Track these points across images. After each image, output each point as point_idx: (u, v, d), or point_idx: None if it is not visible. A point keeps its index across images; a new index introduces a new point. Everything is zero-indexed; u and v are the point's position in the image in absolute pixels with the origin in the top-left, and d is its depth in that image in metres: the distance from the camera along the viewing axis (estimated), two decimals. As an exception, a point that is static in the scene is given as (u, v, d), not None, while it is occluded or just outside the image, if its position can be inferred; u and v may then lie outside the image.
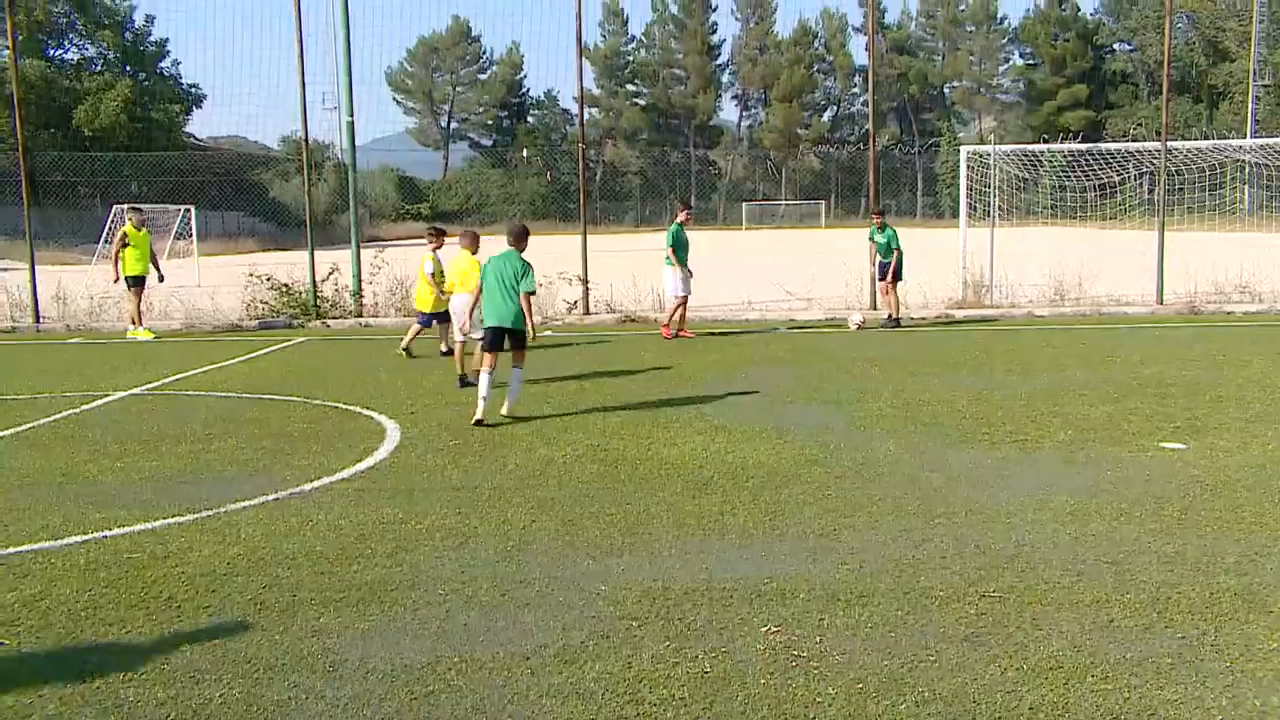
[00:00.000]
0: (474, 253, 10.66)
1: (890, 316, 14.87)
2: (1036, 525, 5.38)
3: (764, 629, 4.14)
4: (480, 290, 8.47)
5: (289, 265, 17.80)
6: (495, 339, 8.26)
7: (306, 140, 18.16)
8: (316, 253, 17.09)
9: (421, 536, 5.41)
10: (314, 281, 16.99)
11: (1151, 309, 15.94)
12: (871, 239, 15.27)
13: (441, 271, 12.15)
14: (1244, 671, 3.67)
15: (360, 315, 16.98)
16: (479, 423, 8.05)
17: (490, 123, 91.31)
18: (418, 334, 12.36)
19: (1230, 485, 6.01)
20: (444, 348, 12.42)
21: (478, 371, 8.43)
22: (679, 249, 13.66)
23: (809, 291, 17.39)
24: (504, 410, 8.35)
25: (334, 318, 16.84)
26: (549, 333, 15.03)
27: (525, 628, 4.20)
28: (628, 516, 5.70)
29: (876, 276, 15.27)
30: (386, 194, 78.13)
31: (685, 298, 13.85)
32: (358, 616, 4.34)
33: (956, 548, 5.05)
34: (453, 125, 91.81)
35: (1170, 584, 4.48)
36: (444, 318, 12.27)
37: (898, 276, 14.85)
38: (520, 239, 8.39)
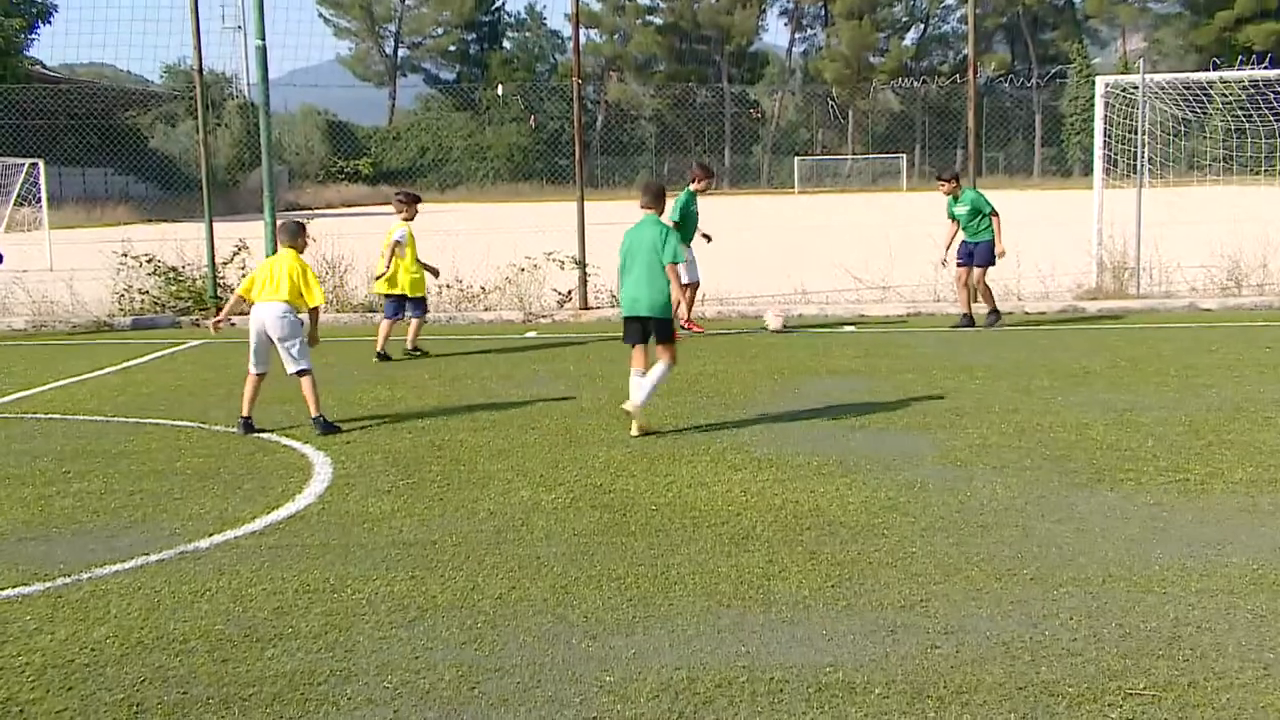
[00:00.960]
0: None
1: (966, 315, 14.87)
2: (1204, 598, 5.34)
3: (828, 737, 4.12)
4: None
5: (177, 242, 17.90)
6: (637, 331, 8.84)
7: (200, 71, 18.28)
8: (216, 225, 17.19)
9: (360, 610, 5.41)
10: (213, 264, 17.09)
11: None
12: (951, 216, 15.04)
13: (415, 248, 12.93)
14: None
15: (275, 310, 17.05)
16: (645, 434, 8.76)
17: (453, 49, 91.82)
18: (391, 328, 13.06)
19: None
20: (411, 345, 12.99)
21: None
22: (686, 224, 13.88)
23: (885, 278, 17.40)
24: (633, 413, 8.79)
25: (242, 313, 16.87)
26: (533, 334, 15.10)
27: (500, 734, 4.19)
28: (640, 582, 5.69)
29: (956, 260, 14.92)
30: (311, 146, 78.61)
31: (695, 285, 14.31)
32: None
33: (1090, 627, 5.02)
34: (401, 53, 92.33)
35: (1389, 677, 4.45)
36: (419, 304, 12.98)
37: (990, 261, 14.70)
38: (659, 200, 9.00)
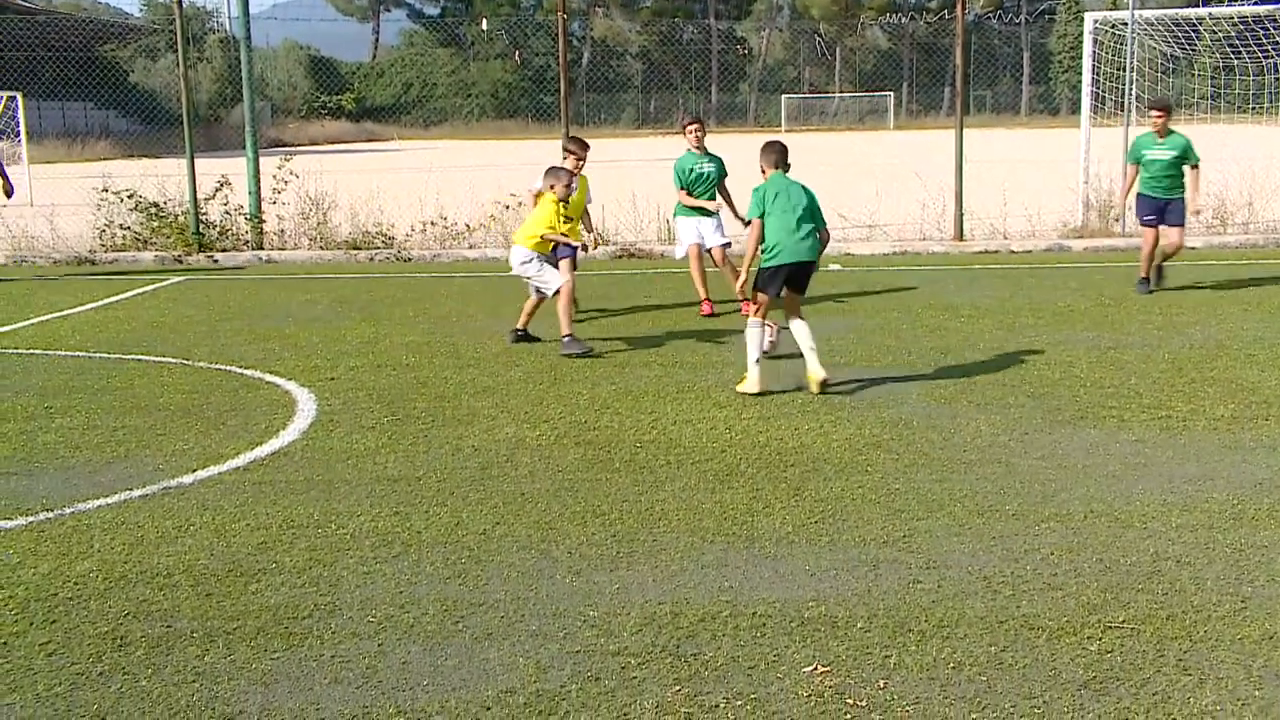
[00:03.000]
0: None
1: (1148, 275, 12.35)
2: (1184, 533, 5.37)
3: (807, 669, 4.15)
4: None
5: (159, 178, 17.74)
6: (784, 281, 8.15)
7: (180, 4, 18.01)
8: (198, 161, 17.03)
9: (345, 545, 5.41)
10: (194, 200, 16.95)
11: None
12: (1137, 159, 12.40)
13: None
14: None
15: (260, 247, 16.98)
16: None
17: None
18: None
19: None
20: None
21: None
22: (697, 188, 11.61)
23: (872, 216, 17.35)
24: (819, 377, 8.03)
25: (223, 250, 16.84)
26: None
27: (486, 667, 4.21)
28: (624, 518, 5.71)
29: (1142, 217, 12.39)
30: (294, 81, 77.79)
31: (708, 250, 11.61)
32: (257, 654, 4.35)
33: (1071, 562, 5.05)
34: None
35: (1366, 611, 4.49)
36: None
37: (1182, 222, 12.23)
38: (785, 157, 8.43)
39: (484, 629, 4.52)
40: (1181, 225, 12.17)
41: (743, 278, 8.72)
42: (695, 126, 11.69)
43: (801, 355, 8.14)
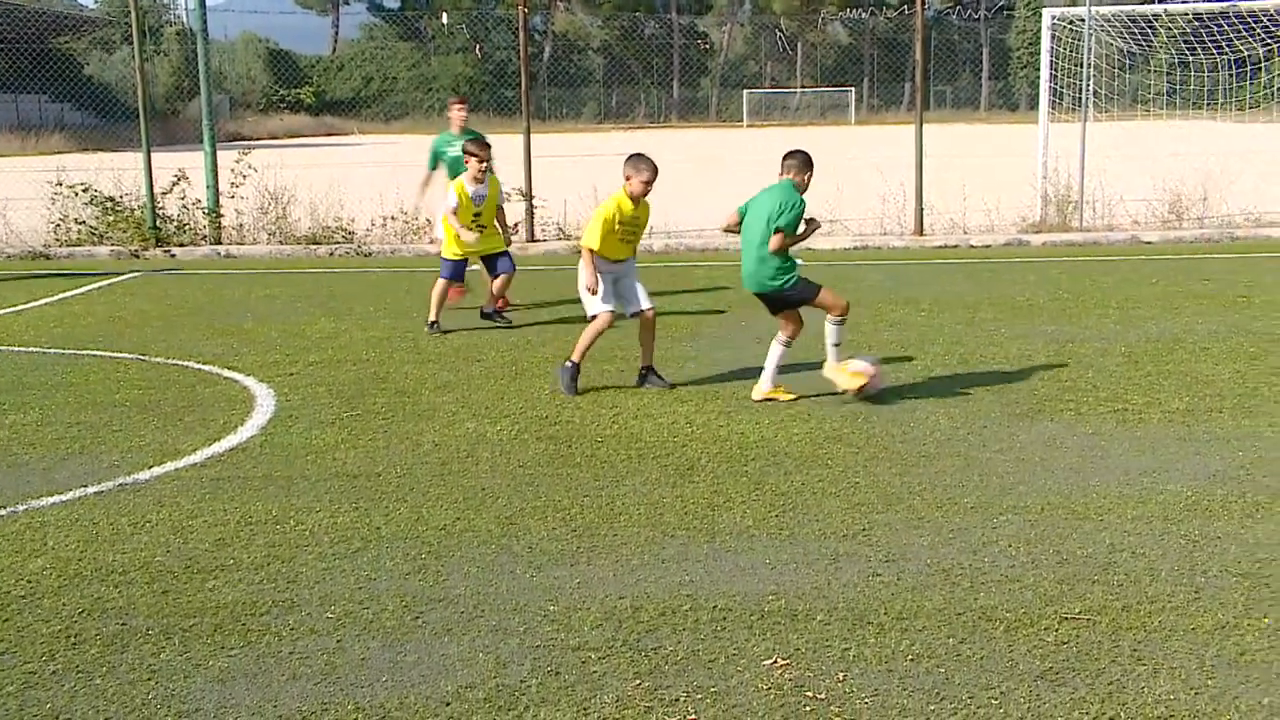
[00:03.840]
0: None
1: None
2: (1139, 524, 5.43)
3: (767, 662, 4.16)
4: None
5: (115, 172, 17.56)
6: (767, 306, 7.97)
7: (138, -3, 17.79)
8: (155, 155, 16.87)
9: (304, 541, 5.39)
10: (151, 195, 16.79)
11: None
12: None
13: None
14: None
15: (218, 241, 16.85)
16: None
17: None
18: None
19: (1399, 469, 6.10)
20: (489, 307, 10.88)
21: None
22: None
23: (833, 211, 17.39)
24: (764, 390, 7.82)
25: (181, 244, 16.69)
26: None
27: (445, 662, 4.20)
28: (585, 513, 5.71)
29: None
30: (253, 74, 77.17)
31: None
32: (213, 651, 4.32)
33: (1029, 554, 5.09)
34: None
35: (1319, 601, 4.55)
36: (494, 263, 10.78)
37: None
38: (806, 168, 7.80)
39: (443, 624, 4.51)
40: None
41: None
42: (464, 108, 11.87)
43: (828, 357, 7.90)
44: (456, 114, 11.70)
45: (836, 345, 7.82)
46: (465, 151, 10.44)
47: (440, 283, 10.59)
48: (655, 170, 8.15)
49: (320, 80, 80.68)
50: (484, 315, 10.83)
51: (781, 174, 7.77)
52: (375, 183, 17.24)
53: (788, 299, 7.78)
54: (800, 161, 7.77)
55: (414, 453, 6.77)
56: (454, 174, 11.17)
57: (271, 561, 5.15)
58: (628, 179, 8.13)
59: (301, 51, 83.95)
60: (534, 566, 5.07)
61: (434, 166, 11.79)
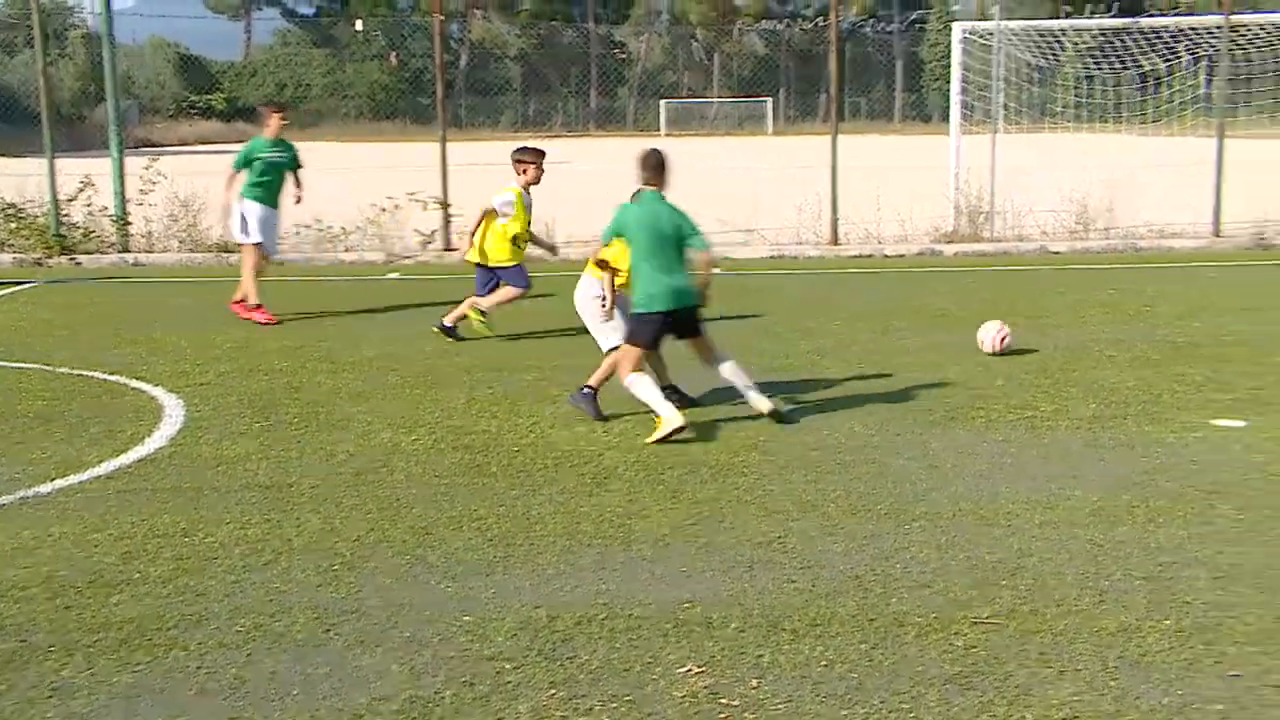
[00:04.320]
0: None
1: None
2: (1047, 529, 5.53)
3: (682, 670, 4.18)
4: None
5: (18, 179, 17.16)
6: (662, 327, 7.35)
7: (42, -1, 17.43)
8: (59, 161, 16.51)
9: (213, 554, 5.31)
10: (55, 201, 16.43)
11: (1206, 242, 16.50)
12: None
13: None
14: (1308, 713, 3.85)
15: (126, 249, 16.54)
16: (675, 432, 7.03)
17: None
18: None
19: (1297, 474, 6.28)
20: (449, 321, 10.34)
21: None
22: (261, 179, 11.38)
23: (749, 221, 17.53)
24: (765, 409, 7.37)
25: (87, 252, 16.35)
26: (395, 275, 14.90)
27: (358, 675, 4.16)
28: (501, 522, 5.69)
29: None
30: (163, 80, 75.85)
31: (258, 248, 11.48)
32: (118, 667, 4.24)
33: (940, 560, 5.17)
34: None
35: (1223, 606, 4.67)
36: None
37: None
38: (659, 172, 7.45)
39: (356, 636, 4.47)
40: None
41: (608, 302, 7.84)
42: (283, 116, 11.65)
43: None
44: (276, 122, 11.55)
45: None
46: (527, 161, 10.02)
47: (517, 292, 10.25)
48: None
49: (232, 86, 79.51)
50: (444, 329, 10.24)
51: (648, 183, 7.41)
52: (289, 190, 17.00)
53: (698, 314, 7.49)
54: (661, 169, 7.44)
55: (327, 463, 6.71)
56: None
57: (179, 575, 5.07)
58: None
59: (213, 57, 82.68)
60: (449, 577, 5.04)
61: (242, 168, 11.43)
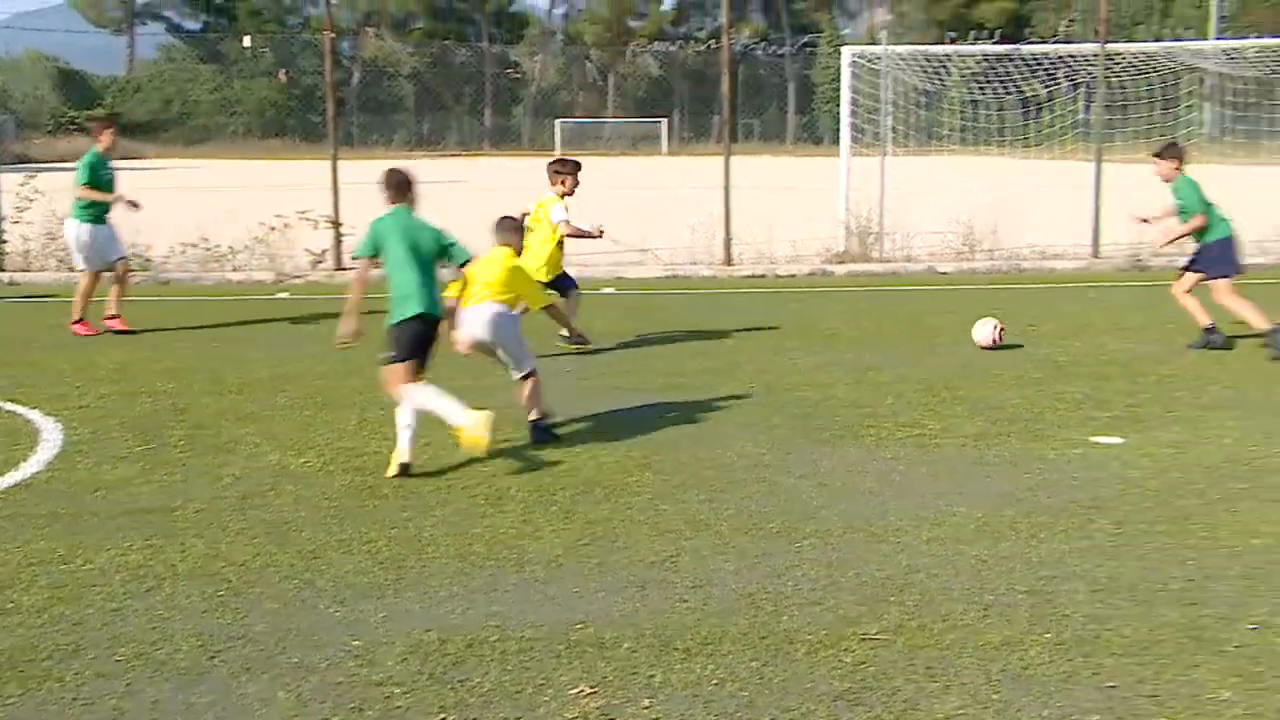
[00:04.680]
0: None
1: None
2: (934, 545, 5.64)
3: (574, 691, 4.18)
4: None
5: (-111, 194, 16.62)
6: (421, 339, 7.18)
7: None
8: (-68, 176, 16.00)
9: (91, 580, 5.18)
10: (-72, 218, 15.92)
11: (1085, 264, 16.97)
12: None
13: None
14: (1183, 721, 3.97)
15: (2, 269, 16.07)
16: (404, 469, 6.77)
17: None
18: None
19: (1177, 490, 6.48)
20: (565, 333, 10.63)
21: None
22: (99, 191, 11.52)
23: (644, 240, 17.63)
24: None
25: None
26: (285, 295, 14.68)
27: (242, 702, 4.09)
28: (392, 545, 5.63)
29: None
30: (41, 94, 73.92)
31: (116, 265, 11.79)
32: (-8, 698, 4.12)
33: (830, 577, 5.23)
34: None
35: (1100, 618, 4.79)
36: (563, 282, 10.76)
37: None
38: (403, 191, 7.37)
39: (242, 663, 4.39)
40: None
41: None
42: (114, 133, 12.03)
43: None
44: (109, 137, 11.85)
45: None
46: (565, 172, 10.52)
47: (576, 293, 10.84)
48: None
49: (115, 101, 77.78)
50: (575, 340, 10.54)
51: (393, 202, 7.31)
52: (174, 208, 16.71)
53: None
54: (404, 188, 7.38)
55: (213, 487, 6.58)
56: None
57: (55, 603, 4.93)
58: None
59: (94, 71, 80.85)
60: (338, 601, 4.98)
61: (87, 182, 11.50)
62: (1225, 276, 10.44)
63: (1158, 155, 10.81)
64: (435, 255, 7.27)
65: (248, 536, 5.76)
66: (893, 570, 5.31)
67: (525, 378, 7.65)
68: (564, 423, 7.89)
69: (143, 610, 4.87)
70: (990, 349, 10.41)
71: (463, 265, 7.40)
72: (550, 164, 10.83)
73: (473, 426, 6.78)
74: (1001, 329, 10.53)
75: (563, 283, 10.74)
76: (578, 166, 10.68)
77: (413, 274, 7.12)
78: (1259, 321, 10.24)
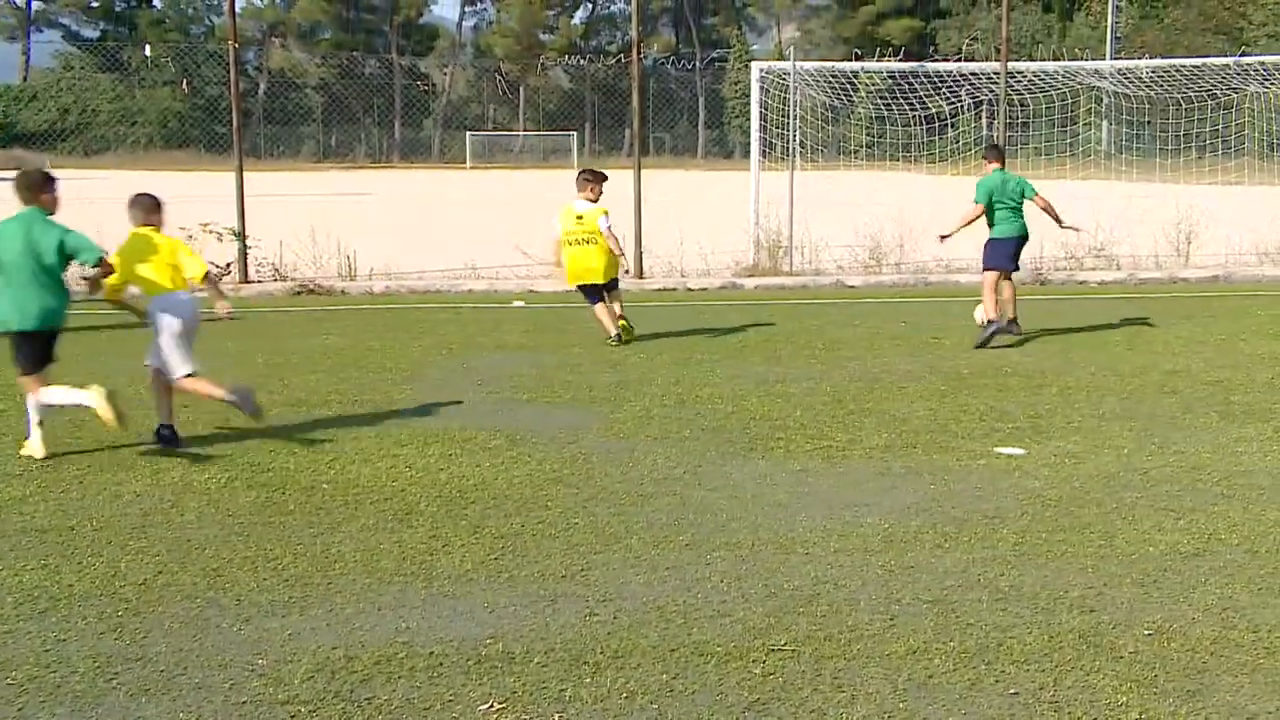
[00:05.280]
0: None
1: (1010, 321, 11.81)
2: (841, 556, 5.70)
3: (484, 707, 4.16)
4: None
5: None
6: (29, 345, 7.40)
7: None
8: None
9: (-17, 603, 5.04)
10: None
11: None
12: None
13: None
14: (1083, 726, 4.05)
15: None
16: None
17: (95, 4, 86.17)
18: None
19: (1076, 499, 6.62)
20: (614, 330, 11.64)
21: None
22: None
23: (555, 254, 17.63)
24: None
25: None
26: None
27: (142, 726, 4.01)
28: (298, 561, 5.57)
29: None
30: (-66, 102, 72.13)
31: None
32: (-122, 725, 3.99)
33: (739, 589, 5.27)
34: (35, 4, 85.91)
35: (1003, 626, 4.88)
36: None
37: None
38: (40, 189, 7.46)
39: (140, 685, 4.30)
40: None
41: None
42: None
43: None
44: None
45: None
46: (594, 181, 11.83)
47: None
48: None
49: (9, 110, 76.05)
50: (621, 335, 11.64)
51: (27, 203, 7.42)
52: (74, 221, 16.31)
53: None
54: (36, 188, 7.46)
55: (113, 504, 6.45)
56: None
57: (-52, 626, 4.79)
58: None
59: (-12, 79, 79.01)
60: (242, 619, 4.90)
61: None
62: (996, 270, 11.70)
63: (984, 155, 12.49)
64: (43, 264, 7.27)
65: (149, 555, 5.65)
66: (801, 581, 5.36)
67: (189, 377, 7.63)
68: (474, 435, 7.86)
69: (37, 632, 4.75)
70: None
71: (97, 264, 7.44)
72: (581, 173, 12.11)
73: (99, 406, 7.13)
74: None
75: (613, 285, 11.90)
76: (605, 177, 11.96)
77: (27, 285, 7.22)
78: (988, 313, 11.60)
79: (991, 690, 4.31)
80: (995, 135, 19.15)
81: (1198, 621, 4.92)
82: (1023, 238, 12.00)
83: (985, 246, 11.98)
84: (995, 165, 12.05)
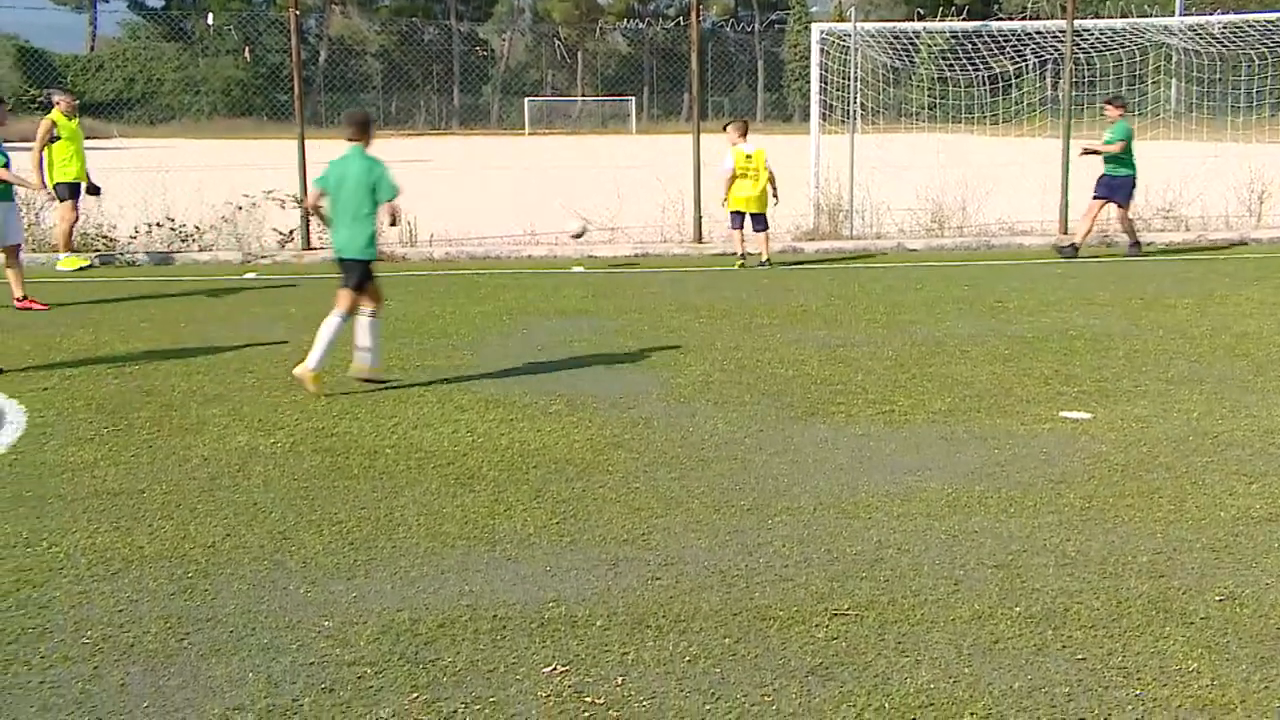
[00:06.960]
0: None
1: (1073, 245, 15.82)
2: (904, 521, 5.66)
3: (547, 669, 4.18)
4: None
5: None
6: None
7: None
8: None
9: (58, 564, 5.14)
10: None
11: (1054, 240, 17.02)
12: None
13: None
14: (1157, 700, 4.00)
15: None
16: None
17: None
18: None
19: (1145, 464, 6.52)
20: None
21: None
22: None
23: (614, 219, 17.59)
24: (357, 373, 8.44)
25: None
26: (253, 275, 14.59)
27: (212, 684, 4.07)
28: (363, 525, 5.61)
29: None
30: (2, 73, 73.17)
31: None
32: (-43, 683, 4.08)
33: (802, 553, 5.25)
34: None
35: (1070, 592, 4.83)
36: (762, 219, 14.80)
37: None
38: (364, 130, 8.34)
39: (211, 645, 4.36)
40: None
41: None
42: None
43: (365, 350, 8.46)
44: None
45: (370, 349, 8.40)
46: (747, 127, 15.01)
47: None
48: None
49: (77, 80, 77.00)
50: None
51: (352, 140, 8.24)
52: (138, 188, 16.52)
53: (369, 270, 8.35)
54: (361, 126, 8.31)
55: (181, 468, 6.54)
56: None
57: (21, 586, 4.89)
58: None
59: (56, 50, 79.98)
60: (308, 581, 4.96)
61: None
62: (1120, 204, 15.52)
63: (1108, 103, 15.91)
64: (366, 201, 8.14)
65: (217, 518, 5.73)
66: (863, 546, 5.33)
67: None
68: (535, 400, 7.89)
69: (110, 593, 4.83)
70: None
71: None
72: (738, 121, 15.08)
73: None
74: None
75: (762, 221, 14.77)
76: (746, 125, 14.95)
77: (342, 219, 8.16)
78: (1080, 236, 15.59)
79: (1058, 655, 4.27)
80: (1060, 95, 18.80)
81: (1271, 587, 4.84)
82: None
83: (1105, 182, 15.49)
84: (1121, 112, 15.51)
